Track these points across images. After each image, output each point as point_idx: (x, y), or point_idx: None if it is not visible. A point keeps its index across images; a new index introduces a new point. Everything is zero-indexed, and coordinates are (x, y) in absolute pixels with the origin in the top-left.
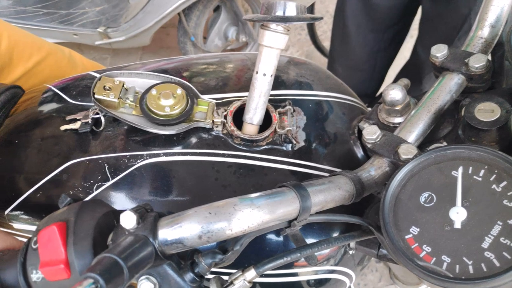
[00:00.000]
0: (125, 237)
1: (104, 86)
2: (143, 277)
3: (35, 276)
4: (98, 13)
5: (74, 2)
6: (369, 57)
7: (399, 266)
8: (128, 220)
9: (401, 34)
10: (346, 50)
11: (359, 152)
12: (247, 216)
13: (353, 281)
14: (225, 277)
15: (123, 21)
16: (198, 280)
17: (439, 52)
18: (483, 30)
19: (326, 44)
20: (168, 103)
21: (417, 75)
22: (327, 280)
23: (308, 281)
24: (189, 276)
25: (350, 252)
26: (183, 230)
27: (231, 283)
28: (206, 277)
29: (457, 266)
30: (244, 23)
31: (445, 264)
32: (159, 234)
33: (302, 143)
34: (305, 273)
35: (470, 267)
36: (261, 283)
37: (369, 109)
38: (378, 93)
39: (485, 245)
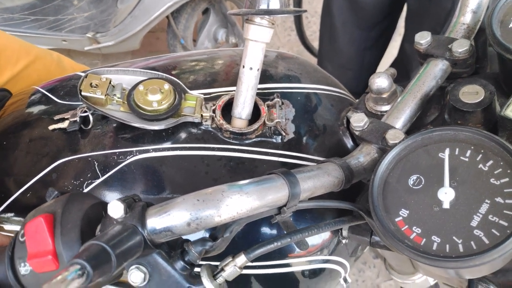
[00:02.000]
0: (113, 226)
1: (91, 84)
2: (133, 266)
3: (23, 269)
4: (87, 18)
5: (62, 8)
6: (357, 55)
7: (393, 256)
8: (116, 210)
9: (388, 32)
10: (334, 48)
11: (349, 143)
12: (236, 202)
13: (347, 271)
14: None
15: (112, 25)
16: (188, 268)
17: (423, 39)
18: (465, 16)
19: (316, 44)
20: (156, 98)
21: (405, 71)
22: (321, 270)
23: (302, 272)
24: (180, 264)
25: (343, 241)
26: (171, 218)
27: (222, 269)
28: (197, 265)
29: (447, 246)
30: (233, 24)
31: (435, 244)
32: (148, 223)
33: (292, 135)
34: (300, 264)
35: (460, 246)
36: (255, 275)
37: (357, 101)
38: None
39: (474, 223)
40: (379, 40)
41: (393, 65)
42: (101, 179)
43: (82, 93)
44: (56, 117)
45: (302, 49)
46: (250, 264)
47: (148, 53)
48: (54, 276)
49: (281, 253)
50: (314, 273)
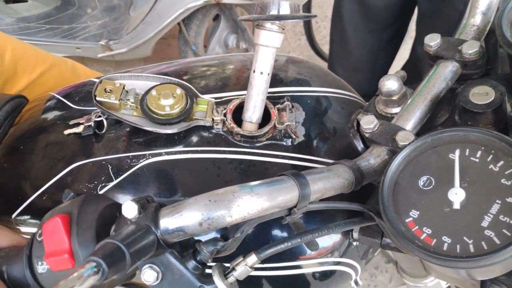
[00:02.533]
0: (127, 226)
1: (105, 89)
2: (146, 265)
3: (41, 267)
4: (100, 26)
5: (76, 17)
6: (368, 58)
7: (405, 259)
8: (130, 210)
9: (400, 34)
10: (345, 51)
11: (359, 145)
12: (247, 203)
13: (358, 273)
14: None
15: (125, 33)
16: (200, 267)
17: (433, 41)
18: (475, 17)
19: (326, 48)
20: (168, 103)
21: (417, 73)
22: (332, 272)
23: (313, 274)
24: (192, 263)
25: (354, 243)
26: (184, 218)
27: (233, 268)
28: (208, 264)
29: (458, 246)
30: (244, 30)
31: (445, 245)
32: (161, 223)
33: (302, 138)
34: (310, 266)
35: (471, 246)
36: (266, 277)
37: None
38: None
39: (484, 224)
40: (391, 42)
41: (404, 67)
42: (115, 182)
43: (97, 98)
44: (71, 122)
45: (313, 54)
46: (261, 265)
47: (160, 60)
48: (71, 273)
49: (292, 255)
50: (325, 275)
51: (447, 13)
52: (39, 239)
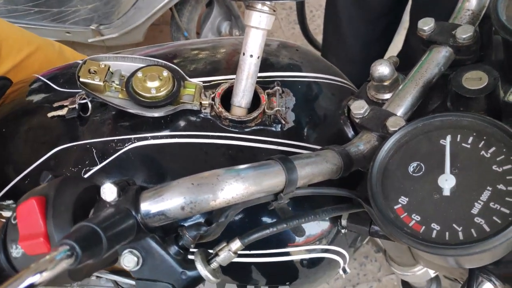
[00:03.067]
0: (106, 209)
1: (89, 70)
2: (126, 250)
3: (15, 251)
4: (90, 10)
5: (66, 0)
6: (362, 48)
7: (394, 247)
8: (109, 193)
9: (394, 25)
10: (339, 41)
11: (350, 132)
12: (231, 187)
13: (347, 261)
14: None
15: (115, 17)
16: (182, 253)
17: (426, 25)
18: (470, 1)
19: (320, 37)
20: (154, 85)
21: (410, 63)
22: (320, 260)
23: (301, 261)
24: (174, 249)
25: (343, 231)
26: (165, 201)
27: (216, 254)
28: (191, 250)
29: (447, 233)
30: (237, 17)
31: (434, 232)
32: (141, 207)
33: (292, 124)
34: (298, 253)
35: (460, 234)
36: (254, 263)
37: None
38: None
39: (474, 210)
40: (385, 33)
41: (398, 57)
42: (99, 166)
43: (81, 79)
44: (55, 105)
45: (307, 42)
46: (249, 252)
47: None
48: (43, 256)
49: (280, 241)
50: (313, 263)
51: (441, 2)
52: (13, 222)
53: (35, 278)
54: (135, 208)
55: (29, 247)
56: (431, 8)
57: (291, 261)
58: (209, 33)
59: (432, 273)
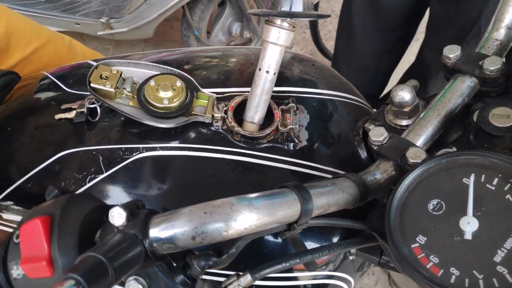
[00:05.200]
0: (113, 235)
1: (101, 75)
2: (131, 277)
3: (16, 272)
4: (102, 3)
5: None
6: (373, 58)
7: (400, 274)
8: (117, 217)
9: (407, 36)
10: (351, 49)
11: (363, 154)
12: (245, 217)
13: (351, 287)
14: (220, 279)
15: (127, 12)
16: (189, 283)
17: (452, 53)
18: (499, 31)
19: (331, 43)
20: (167, 95)
21: (423, 78)
22: (324, 286)
23: (305, 286)
24: (180, 278)
25: (350, 257)
26: (175, 230)
27: None
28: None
29: (467, 280)
30: (249, 18)
31: (453, 277)
32: (150, 233)
33: (305, 143)
34: (303, 278)
35: (481, 282)
36: (257, 286)
37: (374, 110)
38: (382, 95)
39: (497, 258)
40: (398, 44)
41: (409, 71)
42: (105, 174)
43: (91, 85)
44: (63, 107)
45: (316, 49)
46: None
47: (161, 42)
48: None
49: None
50: None
51: (459, 19)
52: (16, 240)
53: None
54: (144, 234)
55: (30, 270)
56: (447, 23)
57: (296, 286)
58: (220, 33)
59: None
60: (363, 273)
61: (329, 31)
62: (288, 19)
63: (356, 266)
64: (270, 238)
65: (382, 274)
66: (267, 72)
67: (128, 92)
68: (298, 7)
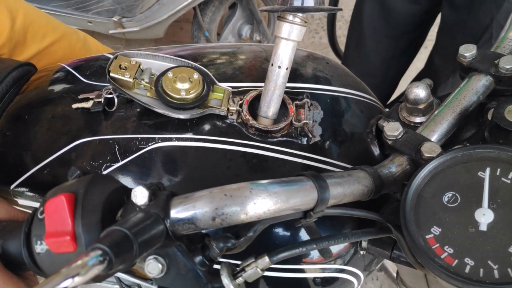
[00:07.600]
0: (136, 213)
1: (120, 65)
2: (151, 257)
3: (39, 247)
4: (114, 2)
5: None
6: (382, 63)
7: (409, 272)
8: (140, 196)
9: (417, 43)
10: (360, 54)
11: (376, 151)
12: (264, 201)
13: (361, 282)
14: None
15: (139, 11)
16: (208, 264)
17: (468, 52)
18: None
19: (342, 48)
20: (184, 87)
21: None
22: (334, 279)
23: (314, 279)
24: (199, 259)
25: (361, 252)
26: (196, 210)
27: (243, 269)
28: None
29: (481, 270)
30: (259, 21)
31: (468, 267)
32: (171, 213)
33: (318, 138)
34: (313, 270)
35: (496, 272)
36: (266, 277)
37: (386, 110)
38: (389, 102)
39: None
40: (407, 50)
41: (419, 77)
42: (121, 163)
43: (111, 74)
44: (81, 96)
45: (326, 52)
46: None
47: (171, 43)
48: (74, 260)
49: (296, 258)
50: (327, 282)
51: (470, 25)
52: (40, 216)
53: (67, 283)
54: (165, 214)
55: (54, 245)
56: (459, 30)
57: (304, 279)
58: (230, 35)
59: None
60: (371, 271)
61: (338, 36)
62: (300, 14)
63: (366, 262)
64: (283, 228)
65: (387, 279)
66: (279, 67)
67: (146, 83)
68: (309, 2)
